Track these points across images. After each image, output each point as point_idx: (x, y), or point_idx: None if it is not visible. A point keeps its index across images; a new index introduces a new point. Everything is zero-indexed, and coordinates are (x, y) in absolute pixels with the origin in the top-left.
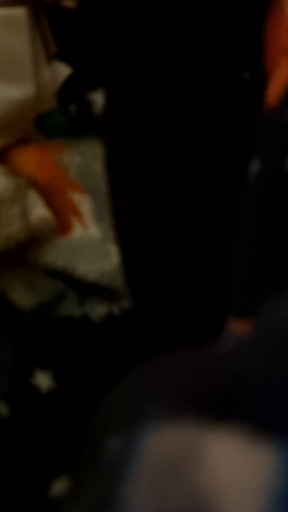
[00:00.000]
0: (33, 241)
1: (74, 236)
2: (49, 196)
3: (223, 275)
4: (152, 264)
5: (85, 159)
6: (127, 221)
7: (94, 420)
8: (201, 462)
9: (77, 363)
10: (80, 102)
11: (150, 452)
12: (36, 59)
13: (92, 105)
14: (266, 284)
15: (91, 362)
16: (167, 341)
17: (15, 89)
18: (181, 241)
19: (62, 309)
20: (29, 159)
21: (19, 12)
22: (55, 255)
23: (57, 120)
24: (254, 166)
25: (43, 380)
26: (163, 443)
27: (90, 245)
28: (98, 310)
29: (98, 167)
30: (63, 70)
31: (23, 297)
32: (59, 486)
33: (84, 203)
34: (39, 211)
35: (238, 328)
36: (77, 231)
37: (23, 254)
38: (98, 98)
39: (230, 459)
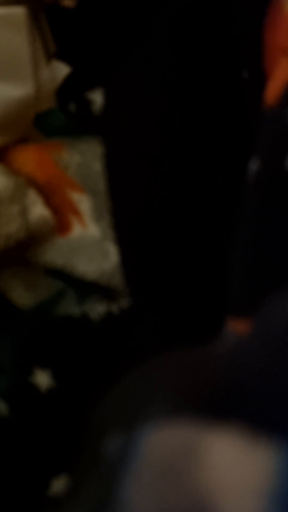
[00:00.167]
0: (32, 240)
1: (73, 235)
2: (48, 195)
3: (222, 275)
4: (151, 263)
5: (84, 158)
6: (126, 220)
7: (94, 419)
8: (200, 462)
9: (77, 362)
10: (79, 102)
11: (149, 452)
12: (35, 58)
13: (91, 105)
14: (266, 283)
15: (91, 361)
16: (166, 341)
17: (14, 88)
18: (180, 240)
19: (62, 308)
20: (28, 158)
21: (19, 11)
22: (55, 254)
23: (56, 119)
24: (253, 166)
25: (42, 379)
26: (162, 442)
27: (89, 244)
28: (97, 309)
29: (97, 166)
30: (62, 70)
31: (22, 296)
32: (59, 485)
33: (83, 202)
34: (38, 210)
35: (237, 328)
36: (76, 230)
37: (22, 253)
38: (97, 98)
39: (229, 459)
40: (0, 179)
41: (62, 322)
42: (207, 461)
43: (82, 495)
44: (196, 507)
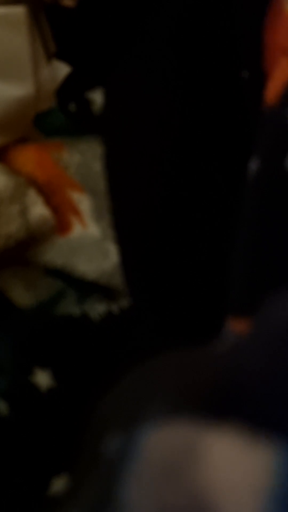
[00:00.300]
0: (32, 240)
1: (73, 235)
2: (48, 195)
3: (222, 274)
4: (151, 263)
5: (84, 158)
6: (126, 220)
7: (94, 419)
8: (200, 461)
9: (77, 362)
10: (79, 101)
11: (149, 451)
12: (35, 58)
13: (91, 104)
14: (266, 283)
15: (91, 360)
16: (166, 340)
17: (15, 88)
18: (180, 240)
19: (62, 308)
20: (28, 158)
21: (19, 11)
22: (55, 254)
23: (56, 119)
24: (253, 165)
25: (42, 379)
26: (162, 442)
27: (90, 244)
28: (97, 309)
29: (97, 166)
30: (62, 69)
31: (22, 296)
32: (59, 485)
33: (83, 202)
34: (38, 210)
35: (237, 327)
36: (77, 230)
37: (22, 253)
38: (97, 97)
39: (229, 459)
40: (0, 179)
41: (62, 322)
42: (207, 460)
43: (82, 494)
44: (196, 507)
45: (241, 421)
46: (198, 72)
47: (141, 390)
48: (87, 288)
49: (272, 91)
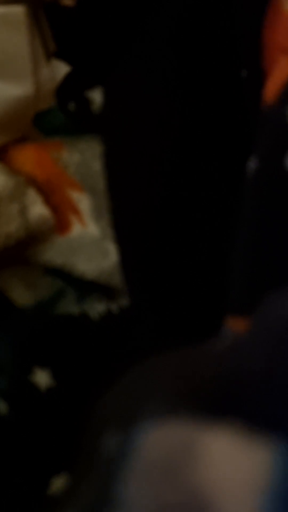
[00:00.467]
0: (32, 239)
1: (73, 234)
2: (48, 194)
3: (222, 273)
4: (150, 262)
5: (84, 157)
6: (126, 219)
7: (93, 418)
8: (198, 460)
9: (76, 361)
10: (79, 101)
11: (147, 450)
12: (34, 57)
13: (90, 104)
14: (265, 282)
15: (90, 360)
16: (165, 339)
17: (14, 87)
18: (180, 239)
19: (61, 307)
20: (27, 157)
21: (18, 10)
22: (54, 253)
23: (56, 118)
24: (252, 164)
25: (42, 378)
26: (160, 440)
27: (89, 243)
28: (97, 308)
29: (97, 165)
30: (61, 68)
31: (22, 295)
32: (58, 484)
33: (83, 201)
34: (38, 209)
35: (236, 326)
36: (76, 229)
37: (22, 252)
38: (96, 97)
39: (227, 457)
40: (0, 178)
41: (61, 321)
42: (205, 459)
43: (80, 494)
44: (194, 505)
45: (239, 419)
46: (198, 71)
47: (140, 389)
48: (86, 287)
49: (271, 90)
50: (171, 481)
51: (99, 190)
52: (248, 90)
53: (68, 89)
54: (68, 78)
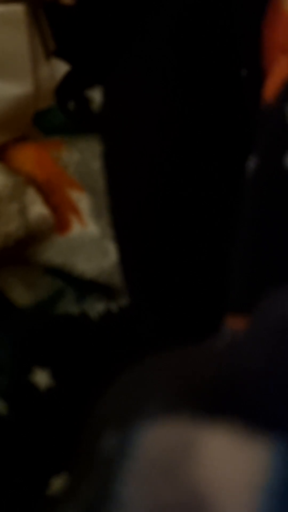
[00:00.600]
0: (31, 239)
1: (72, 233)
2: (47, 194)
3: (221, 272)
4: (150, 262)
5: (83, 157)
6: (125, 218)
7: (92, 418)
8: (196, 458)
9: (76, 361)
10: (79, 100)
11: (146, 449)
12: (34, 56)
13: (90, 103)
14: (265, 281)
15: (90, 359)
16: (165, 339)
17: (14, 87)
18: (179, 238)
19: (61, 307)
20: (27, 156)
21: (18, 9)
22: (54, 252)
23: (56, 117)
24: (252, 163)
25: (41, 378)
26: (159, 439)
27: (89, 243)
28: (96, 308)
29: (96, 164)
30: (61, 68)
31: (22, 295)
32: (58, 484)
33: (82, 201)
34: (37, 208)
35: (235, 325)
36: (76, 229)
37: (21, 252)
38: (96, 96)
39: (225, 456)
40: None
41: (61, 321)
42: (203, 457)
43: (79, 493)
44: (193, 504)
45: (238, 418)
46: (198, 70)
47: (139, 388)
48: (86, 287)
49: (270, 89)
50: (169, 480)
51: (98, 190)
52: (248, 89)
53: (68, 88)
54: (67, 77)
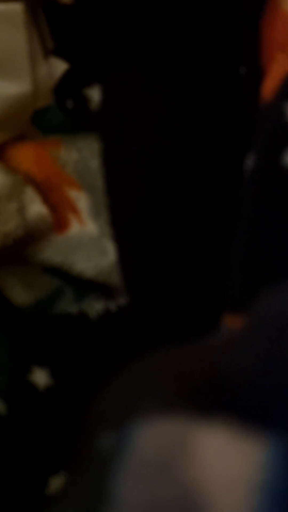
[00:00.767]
0: (30, 238)
1: (71, 233)
2: (46, 193)
3: (220, 271)
4: (149, 261)
5: (82, 156)
6: (124, 217)
7: (90, 417)
8: (191, 456)
9: (75, 360)
10: (77, 98)
11: (141, 446)
12: (33, 55)
13: (89, 101)
14: (263, 279)
15: (89, 359)
16: (164, 338)
17: (12, 85)
18: (178, 237)
19: (60, 306)
20: (26, 155)
21: (16, 8)
22: (52, 252)
23: (54, 116)
24: (250, 162)
25: (40, 377)
26: (154, 437)
27: (87, 242)
28: (95, 307)
29: (95, 163)
30: (60, 66)
31: (20, 294)
32: (57, 484)
33: (81, 200)
34: (36, 208)
35: (234, 324)
36: (74, 228)
37: (20, 251)
38: (95, 94)
39: (220, 453)
40: None
41: (60, 320)
42: (198, 455)
43: (77, 492)
44: (188, 502)
45: (234, 416)
46: (196, 69)
47: (135, 386)
48: (85, 286)
49: (269, 87)
50: (165, 478)
51: (97, 189)
52: (247, 88)
53: (66, 87)
54: (66, 75)
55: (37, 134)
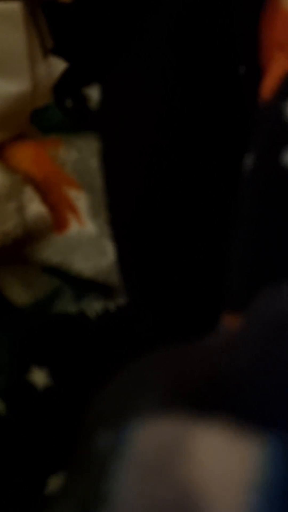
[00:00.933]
0: (29, 237)
1: (70, 232)
2: (45, 192)
3: (219, 271)
4: (148, 260)
5: (81, 155)
6: (123, 217)
7: (90, 416)
8: (189, 456)
9: (74, 360)
10: (76, 97)
11: (140, 446)
12: (32, 54)
13: (88, 101)
14: (263, 279)
15: (88, 358)
16: (163, 337)
17: (11, 84)
18: (177, 237)
19: (59, 306)
20: (25, 155)
21: (15, 7)
22: (51, 251)
23: (53, 115)
24: (249, 161)
25: (39, 377)
26: (152, 437)
27: (86, 242)
28: (94, 307)
29: (94, 162)
30: (59, 65)
31: (19, 294)
32: (56, 483)
33: (80, 199)
34: (35, 207)
35: (233, 324)
36: (73, 228)
37: (19, 250)
38: (94, 93)
39: (218, 453)
40: None
41: (59, 320)
42: (196, 455)
43: (76, 492)
44: (186, 500)
45: (231, 415)
46: (196, 68)
47: (134, 386)
48: (84, 285)
49: (268, 86)
50: (164, 478)
51: (96, 188)
52: (246, 87)
53: (65, 86)
54: (65, 75)
55: (36, 134)
